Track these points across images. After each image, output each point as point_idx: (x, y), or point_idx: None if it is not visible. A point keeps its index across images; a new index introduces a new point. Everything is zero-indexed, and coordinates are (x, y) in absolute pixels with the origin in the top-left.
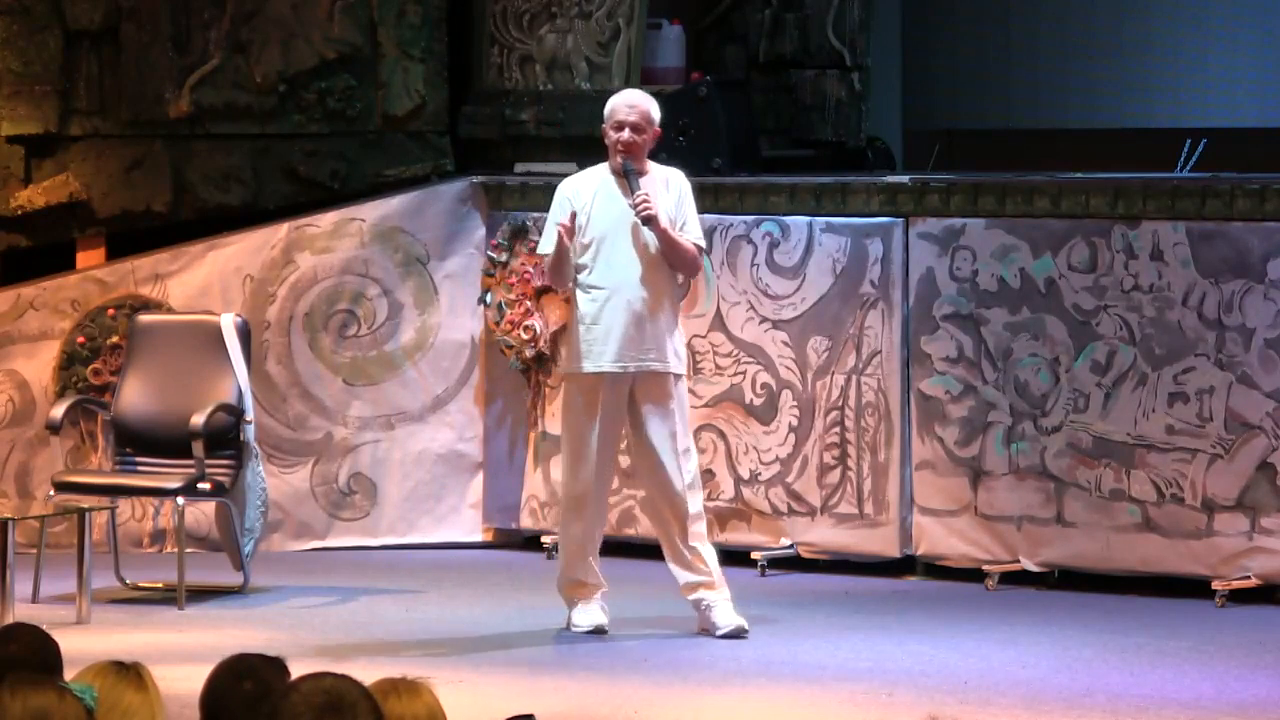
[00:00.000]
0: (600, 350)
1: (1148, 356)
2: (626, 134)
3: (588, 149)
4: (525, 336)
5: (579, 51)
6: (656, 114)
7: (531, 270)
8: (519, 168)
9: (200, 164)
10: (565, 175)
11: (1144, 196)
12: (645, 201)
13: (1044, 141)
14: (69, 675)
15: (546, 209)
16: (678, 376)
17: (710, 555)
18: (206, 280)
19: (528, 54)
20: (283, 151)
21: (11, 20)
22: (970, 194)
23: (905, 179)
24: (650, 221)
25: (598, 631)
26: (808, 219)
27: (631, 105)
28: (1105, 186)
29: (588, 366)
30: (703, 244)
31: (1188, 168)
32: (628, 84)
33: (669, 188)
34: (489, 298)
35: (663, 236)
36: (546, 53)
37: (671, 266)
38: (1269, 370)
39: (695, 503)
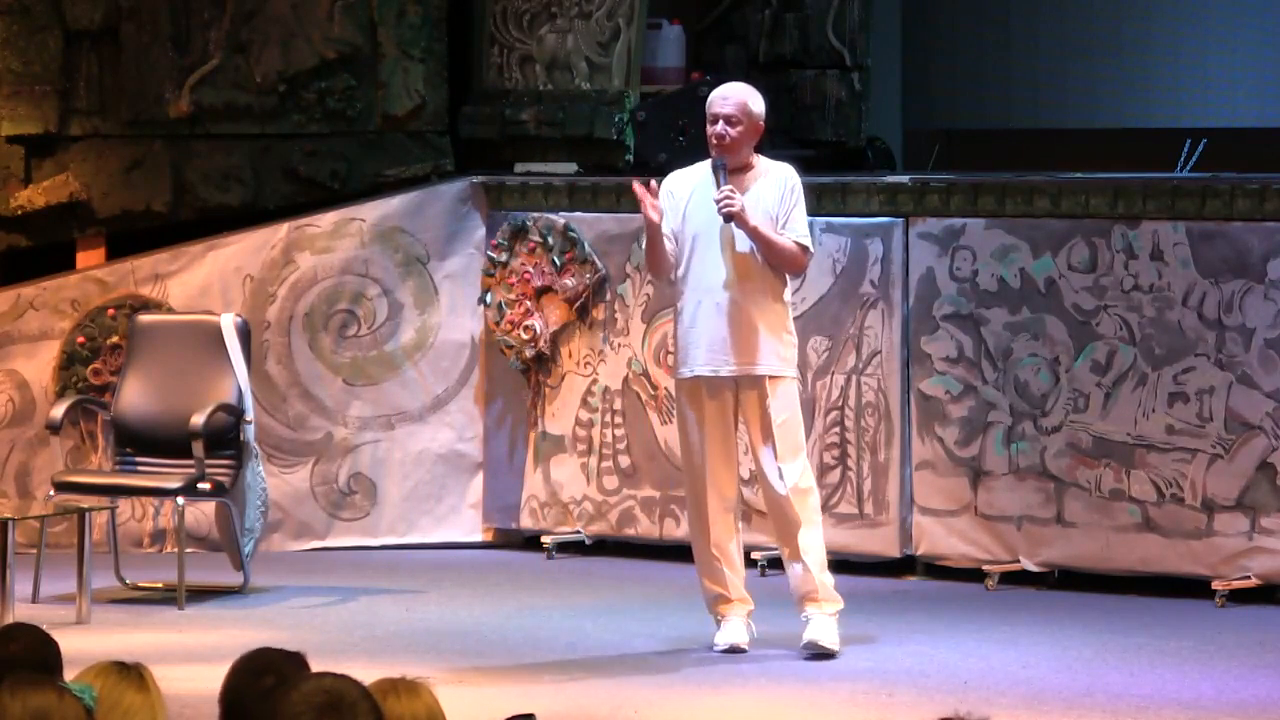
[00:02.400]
0: (696, 354)
1: (1148, 356)
2: (720, 127)
3: (588, 149)
4: (525, 336)
5: (579, 51)
6: (756, 106)
7: (531, 270)
8: (519, 168)
9: (200, 164)
10: (565, 175)
11: (1144, 196)
12: (728, 198)
13: (1044, 141)
14: (69, 675)
15: (546, 209)
16: (780, 379)
17: (814, 564)
18: (206, 280)
19: (528, 54)
20: (283, 151)
21: (11, 20)
22: (970, 194)
23: (905, 179)
24: (734, 219)
25: (733, 650)
26: (808, 219)
27: (725, 97)
28: (1105, 186)
29: (684, 371)
30: (806, 241)
31: (1188, 168)
32: (628, 84)
33: (774, 184)
34: (489, 298)
35: (753, 234)
36: (546, 53)
37: (770, 265)
38: (1269, 370)
39: (803, 509)
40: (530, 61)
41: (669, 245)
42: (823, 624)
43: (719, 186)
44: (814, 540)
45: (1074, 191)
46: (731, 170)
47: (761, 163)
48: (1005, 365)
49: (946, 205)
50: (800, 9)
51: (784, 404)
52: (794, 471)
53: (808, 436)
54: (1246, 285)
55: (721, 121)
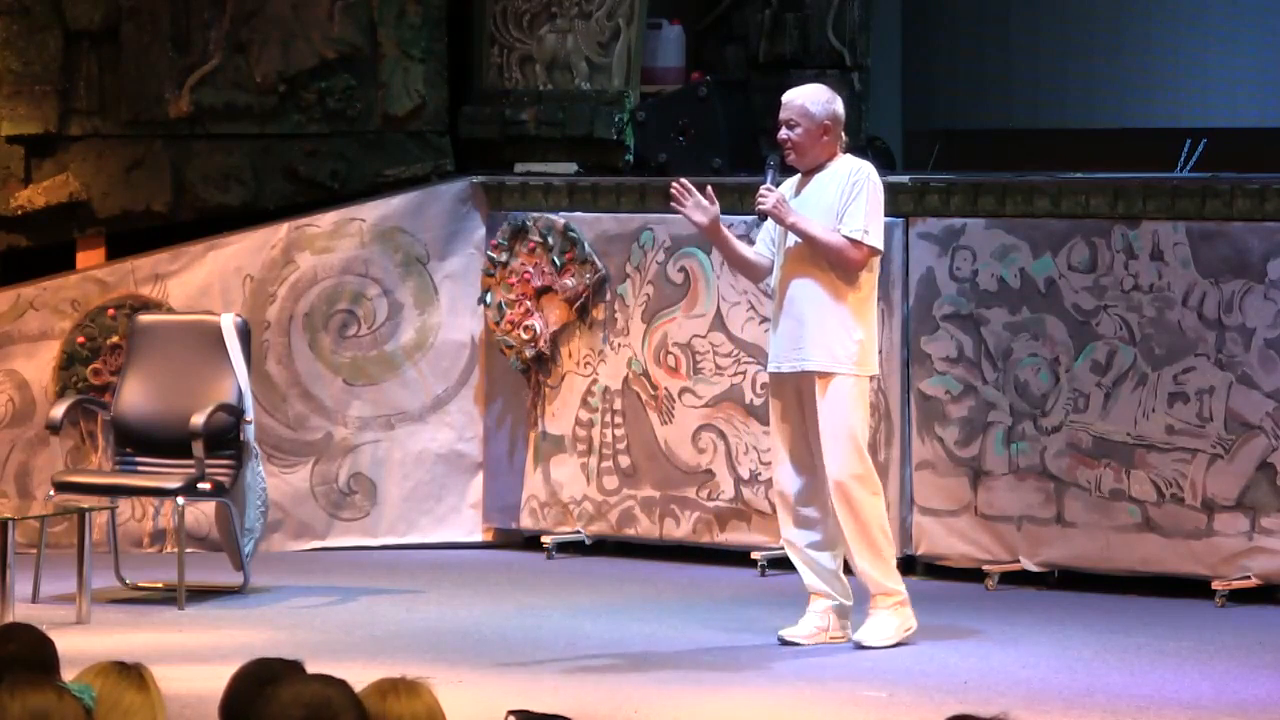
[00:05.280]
0: (770, 350)
1: (1148, 356)
2: (783, 131)
3: (588, 149)
4: (525, 336)
5: (579, 51)
6: (819, 106)
7: (531, 270)
8: (519, 168)
9: (200, 164)
10: (565, 175)
11: (1144, 196)
12: (760, 195)
13: (1044, 141)
14: (69, 675)
15: (546, 209)
16: (838, 376)
17: (857, 564)
18: (206, 280)
19: (528, 54)
20: (283, 151)
21: (11, 20)
22: (970, 194)
23: (905, 179)
24: (769, 216)
25: (783, 643)
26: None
27: (787, 102)
28: (1105, 186)
29: (766, 366)
30: (858, 236)
31: (1188, 168)
32: (628, 84)
33: (839, 179)
34: (489, 298)
35: (793, 229)
36: (546, 53)
37: (829, 262)
38: (1269, 370)
39: (844, 508)
40: (530, 61)
41: (740, 245)
42: (871, 622)
43: (766, 183)
44: (854, 540)
45: (1074, 191)
46: (807, 171)
47: (839, 161)
48: (1005, 365)
49: (946, 205)
50: (800, 9)
51: (833, 401)
52: (836, 468)
53: None
54: (1246, 285)
55: (783, 126)
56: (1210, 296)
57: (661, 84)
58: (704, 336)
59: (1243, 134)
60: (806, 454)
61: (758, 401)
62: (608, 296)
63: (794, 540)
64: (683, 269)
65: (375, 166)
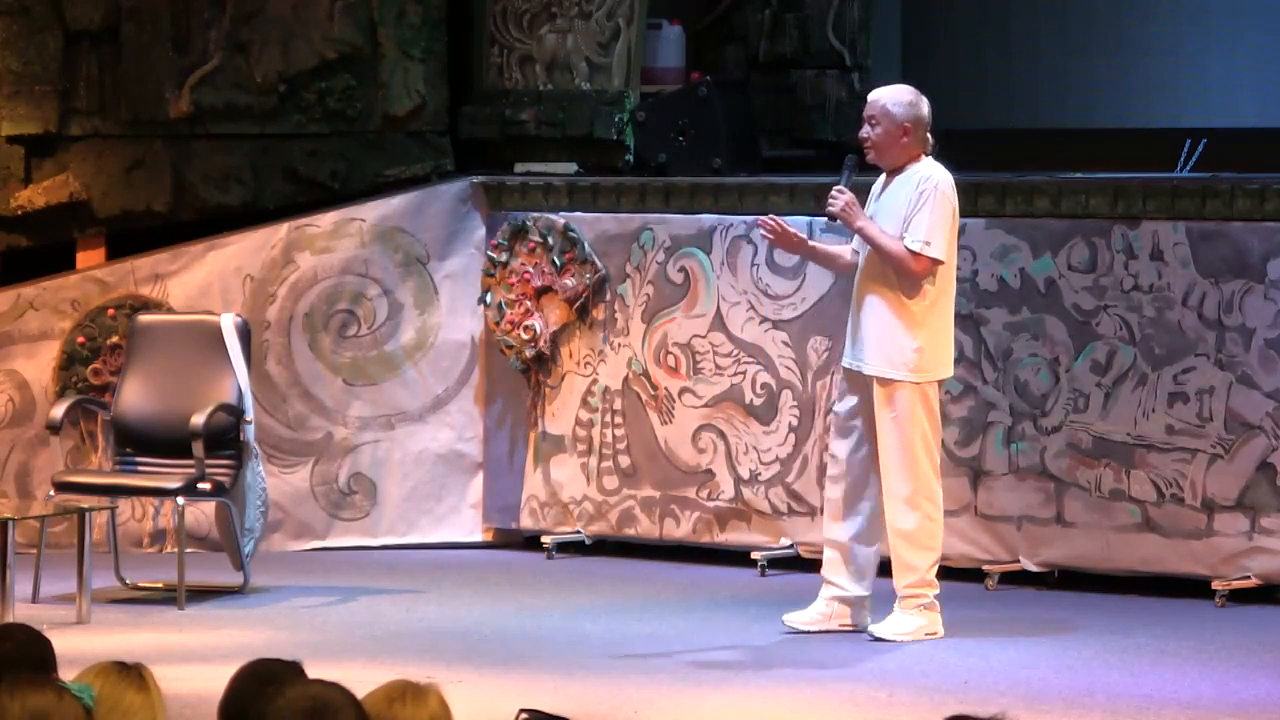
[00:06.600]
0: (845, 345)
1: (1148, 356)
2: (864, 129)
3: (588, 149)
4: (525, 336)
5: (579, 51)
6: (900, 108)
7: (531, 270)
8: (519, 168)
9: (200, 164)
10: (565, 175)
11: (1144, 196)
12: (830, 197)
13: (1044, 141)
14: (69, 675)
15: (546, 209)
16: (895, 384)
17: (896, 565)
18: (206, 280)
19: (528, 54)
20: (283, 151)
21: (11, 20)
22: (970, 194)
23: None
24: (838, 218)
25: (791, 630)
26: (808, 219)
27: (871, 101)
28: (1105, 186)
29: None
30: (917, 246)
31: (1188, 168)
32: (628, 84)
33: (911, 186)
34: (489, 298)
35: (860, 234)
36: (546, 53)
37: (891, 268)
38: (1269, 370)
39: (892, 514)
40: (530, 61)
41: (828, 248)
42: (891, 618)
43: (841, 183)
44: (899, 542)
45: (1074, 191)
46: (890, 171)
47: (918, 165)
48: (1005, 365)
49: None
50: (800, 9)
51: (891, 410)
52: (889, 475)
53: (807, 436)
54: (1246, 285)
55: (865, 124)
56: (1210, 296)
57: (661, 84)
58: (704, 336)
59: (1243, 134)
60: (865, 442)
61: (758, 401)
62: (608, 296)
63: (836, 535)
64: (683, 269)
65: (375, 166)
